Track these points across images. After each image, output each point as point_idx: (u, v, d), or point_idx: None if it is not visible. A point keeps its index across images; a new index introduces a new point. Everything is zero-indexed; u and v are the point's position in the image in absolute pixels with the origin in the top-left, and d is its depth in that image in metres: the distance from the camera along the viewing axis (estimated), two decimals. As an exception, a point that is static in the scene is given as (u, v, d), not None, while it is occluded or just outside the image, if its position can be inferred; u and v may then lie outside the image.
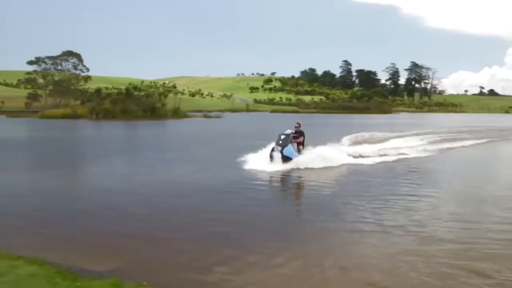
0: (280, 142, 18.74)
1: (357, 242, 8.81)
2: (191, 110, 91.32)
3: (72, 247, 8.16)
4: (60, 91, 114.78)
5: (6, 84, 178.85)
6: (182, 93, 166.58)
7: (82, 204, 12.05)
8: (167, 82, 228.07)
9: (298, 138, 19.54)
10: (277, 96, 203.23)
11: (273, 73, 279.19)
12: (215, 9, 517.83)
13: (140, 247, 8.30)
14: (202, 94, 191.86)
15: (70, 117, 65.83)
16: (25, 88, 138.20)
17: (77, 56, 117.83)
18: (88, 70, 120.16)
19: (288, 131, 19.49)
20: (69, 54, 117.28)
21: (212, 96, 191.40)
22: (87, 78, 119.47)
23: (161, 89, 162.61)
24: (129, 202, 12.15)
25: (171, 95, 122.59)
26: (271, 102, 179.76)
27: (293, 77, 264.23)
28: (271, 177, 16.67)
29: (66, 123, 54.96)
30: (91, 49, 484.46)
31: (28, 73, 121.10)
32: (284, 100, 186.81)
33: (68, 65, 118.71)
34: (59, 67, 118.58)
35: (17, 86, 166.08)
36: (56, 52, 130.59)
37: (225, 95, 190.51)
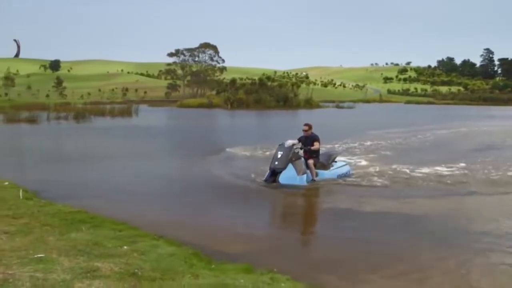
0: (276, 163, 11.75)
1: None
2: (323, 100, 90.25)
3: (206, 231, 8.20)
4: (197, 81, 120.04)
5: (148, 75, 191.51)
6: (315, 84, 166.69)
7: (215, 189, 11.89)
8: (300, 72, 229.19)
9: (312, 146, 12.35)
10: (412, 86, 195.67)
11: (408, 63, 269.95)
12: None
13: (271, 235, 8.17)
14: (335, 84, 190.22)
15: (206, 106, 67.73)
16: (165, 79, 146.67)
17: (214, 48, 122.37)
18: (223, 61, 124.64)
19: (289, 142, 11.99)
20: (206, 46, 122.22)
21: (344, 86, 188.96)
22: (223, 69, 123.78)
23: (293, 80, 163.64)
24: (260, 191, 11.56)
25: (303, 85, 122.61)
26: (405, 92, 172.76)
27: (429, 66, 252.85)
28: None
29: (202, 112, 56.47)
30: (227, 41, 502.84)
31: (168, 64, 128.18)
32: (419, 91, 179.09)
33: (205, 56, 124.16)
34: (196, 59, 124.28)
35: (158, 77, 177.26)
36: (194, 44, 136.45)
37: (357, 86, 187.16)
